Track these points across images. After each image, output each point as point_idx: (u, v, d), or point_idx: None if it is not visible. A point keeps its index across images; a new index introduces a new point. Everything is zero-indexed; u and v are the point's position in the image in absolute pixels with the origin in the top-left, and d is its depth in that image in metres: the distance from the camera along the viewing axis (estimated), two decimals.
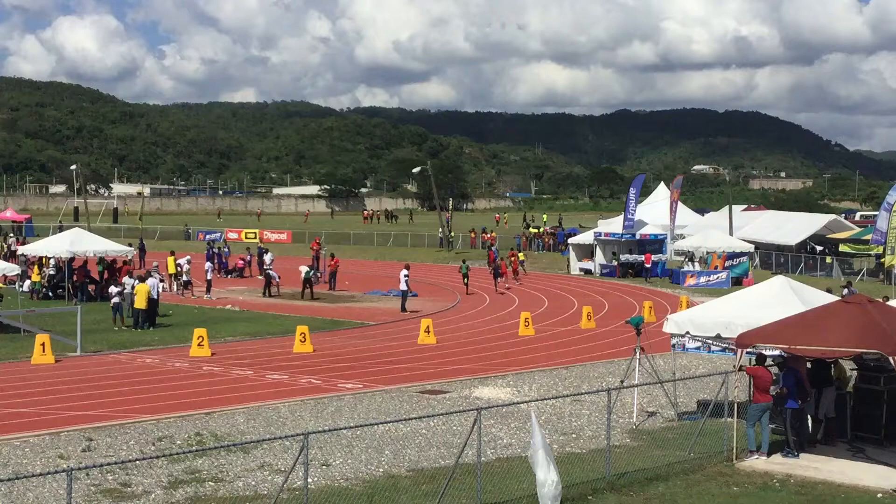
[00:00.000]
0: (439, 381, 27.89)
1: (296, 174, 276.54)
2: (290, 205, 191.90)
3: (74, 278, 47.20)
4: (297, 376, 28.16)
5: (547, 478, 15.69)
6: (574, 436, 21.78)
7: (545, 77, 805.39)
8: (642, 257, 62.62)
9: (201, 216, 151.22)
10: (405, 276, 44.22)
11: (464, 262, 55.35)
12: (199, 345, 31.59)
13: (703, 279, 57.18)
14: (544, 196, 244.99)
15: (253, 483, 17.69)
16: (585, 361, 31.62)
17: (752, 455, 19.74)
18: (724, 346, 22.94)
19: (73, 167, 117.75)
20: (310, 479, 14.82)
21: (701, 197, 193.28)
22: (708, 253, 59.82)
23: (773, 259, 66.50)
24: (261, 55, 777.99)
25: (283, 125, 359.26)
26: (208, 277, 49.03)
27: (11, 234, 78.71)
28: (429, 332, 35.10)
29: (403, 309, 43.16)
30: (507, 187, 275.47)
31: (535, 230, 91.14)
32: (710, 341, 23.18)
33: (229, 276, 59.95)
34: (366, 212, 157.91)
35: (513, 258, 60.17)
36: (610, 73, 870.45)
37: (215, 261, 62.20)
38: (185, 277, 49.97)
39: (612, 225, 69.33)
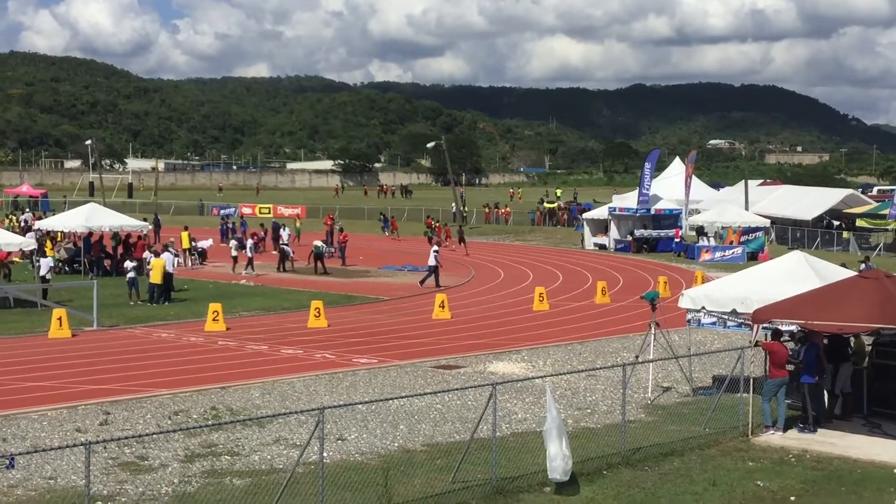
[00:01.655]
0: (454, 356, 27.91)
1: (310, 149, 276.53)
2: (303, 180, 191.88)
3: (91, 253, 47.34)
4: (311, 351, 28.22)
5: (559, 452, 15.71)
6: (589, 411, 21.79)
7: (559, 51, 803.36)
8: (656, 232, 62.58)
9: (215, 191, 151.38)
10: (435, 252, 44.10)
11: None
12: (214, 319, 31.67)
13: (718, 254, 57.03)
14: (558, 171, 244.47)
15: (269, 457, 17.75)
16: (600, 337, 31.60)
17: (767, 430, 19.72)
18: (739, 321, 22.91)
19: (88, 142, 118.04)
20: (325, 454, 14.85)
21: (716, 171, 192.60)
22: (723, 228, 59.69)
23: (789, 234, 66.29)
24: (274, 30, 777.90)
25: (297, 100, 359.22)
26: (250, 255, 48.37)
27: (28, 209, 78.92)
28: (443, 306, 35.11)
29: (438, 284, 43.00)
30: (521, 162, 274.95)
31: (550, 205, 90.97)
32: (725, 316, 23.14)
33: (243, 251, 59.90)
34: (380, 186, 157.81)
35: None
36: (624, 47, 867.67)
37: (229, 235, 62.34)
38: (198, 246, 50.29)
39: (627, 200, 69.15)
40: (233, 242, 50.55)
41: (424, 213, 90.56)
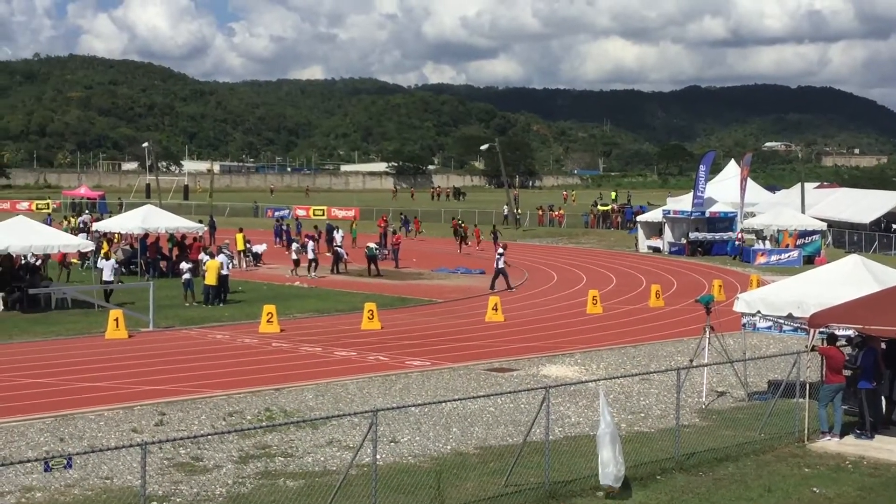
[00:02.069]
0: (507, 359, 27.88)
1: (363, 151, 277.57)
2: (357, 182, 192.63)
3: (147, 255, 47.83)
4: (365, 353, 28.30)
5: (611, 458, 15.65)
6: (642, 415, 21.67)
7: (614, 53, 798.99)
8: (711, 235, 62.15)
9: (281, 193, 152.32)
10: (500, 254, 43.97)
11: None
12: (268, 321, 31.87)
13: (773, 258, 56.50)
14: (612, 173, 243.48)
15: (322, 459, 17.83)
16: (654, 340, 31.41)
17: (824, 436, 19.49)
18: (795, 325, 22.67)
19: (145, 144, 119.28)
20: (378, 456, 14.88)
21: (772, 174, 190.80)
22: (779, 231, 59.10)
23: (846, 237, 65.53)
24: (329, 32, 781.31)
25: (351, 102, 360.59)
26: (311, 257, 48.05)
27: (87, 211, 79.94)
28: (496, 309, 35.07)
29: (509, 286, 42.89)
30: (575, 164, 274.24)
31: (604, 207, 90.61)
32: (781, 321, 22.91)
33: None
34: (434, 189, 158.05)
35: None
36: (679, 49, 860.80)
37: (283, 237, 62.78)
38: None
39: (682, 202, 68.74)
40: (294, 245, 50.58)
41: (478, 216, 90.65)
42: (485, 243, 64.00)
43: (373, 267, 48.74)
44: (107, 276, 37.16)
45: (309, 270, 47.41)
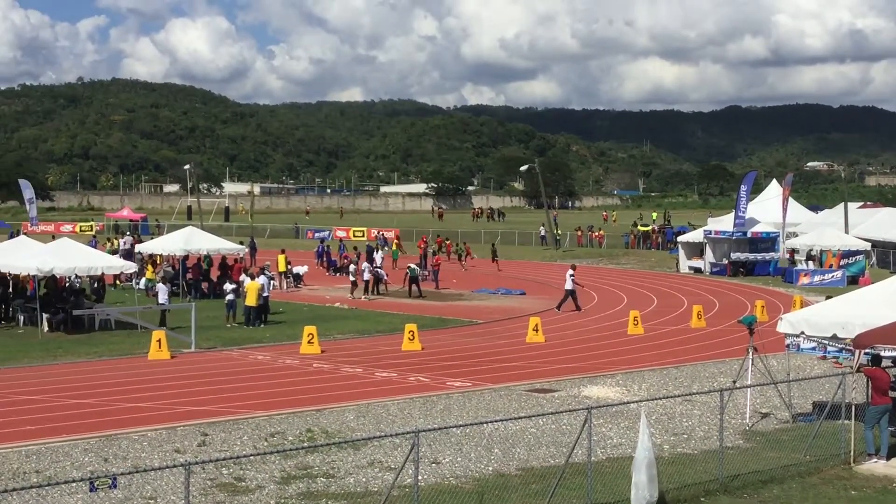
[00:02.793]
0: (548, 380, 27.79)
1: (403, 172, 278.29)
2: (397, 203, 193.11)
3: (188, 276, 48.14)
4: (405, 374, 28.31)
5: (645, 483, 15.56)
6: (685, 436, 21.51)
7: (653, 73, 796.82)
8: (753, 255, 61.76)
9: (317, 214, 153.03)
10: (570, 275, 43.79)
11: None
12: (308, 342, 31.96)
13: (817, 278, 56.02)
14: (652, 194, 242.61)
15: (364, 480, 17.82)
16: (696, 361, 31.20)
17: (870, 458, 19.26)
18: (840, 346, 22.46)
19: (187, 167, 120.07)
20: (420, 477, 14.86)
21: (815, 194, 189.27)
22: (822, 251, 58.63)
23: (890, 258, 64.79)
24: (368, 54, 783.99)
25: (390, 123, 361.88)
26: (365, 278, 48.34)
27: (127, 233, 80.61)
28: (537, 330, 34.99)
29: (578, 307, 42.68)
30: (615, 185, 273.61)
31: (644, 228, 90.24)
32: (825, 342, 22.69)
33: (337, 274, 60.53)
34: (475, 210, 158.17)
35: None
36: (719, 69, 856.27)
37: (324, 259, 63.04)
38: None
39: (723, 223, 68.20)
40: (352, 267, 50.22)
41: (517, 237, 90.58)
42: (479, 261, 66.80)
43: (414, 288, 48.76)
44: (162, 298, 37.06)
45: (366, 292, 47.54)
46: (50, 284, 38.35)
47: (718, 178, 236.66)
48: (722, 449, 18.00)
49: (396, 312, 42.18)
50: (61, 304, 36.94)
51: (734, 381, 22.89)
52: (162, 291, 37.17)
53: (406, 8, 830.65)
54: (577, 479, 16.50)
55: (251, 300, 37.66)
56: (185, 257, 48.13)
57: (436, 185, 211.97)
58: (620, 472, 17.67)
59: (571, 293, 43.06)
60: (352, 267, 49.00)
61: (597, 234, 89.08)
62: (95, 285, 42.13)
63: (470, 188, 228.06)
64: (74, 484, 14.99)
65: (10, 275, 37.88)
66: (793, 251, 61.27)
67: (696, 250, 64.63)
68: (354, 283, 48.28)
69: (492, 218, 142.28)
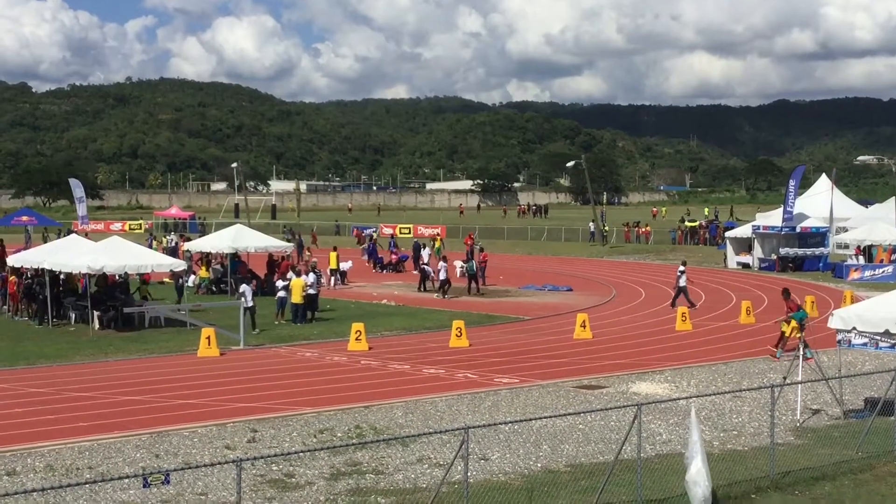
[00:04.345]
0: (596, 376, 27.71)
1: (448, 169, 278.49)
2: (443, 200, 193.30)
3: (237, 273, 48.37)
4: (453, 371, 28.33)
5: (698, 478, 15.46)
6: (735, 433, 21.36)
7: (699, 68, 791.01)
8: (802, 251, 61.22)
9: (356, 212, 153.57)
10: (681, 271, 43.52)
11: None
12: (356, 339, 32.06)
13: (868, 273, 55.43)
14: (699, 189, 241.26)
15: (413, 476, 17.86)
16: (745, 357, 30.96)
17: None
18: (892, 342, 22.20)
19: (234, 165, 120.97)
20: (469, 473, 14.87)
21: (864, 188, 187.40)
22: (873, 246, 57.98)
23: None
24: (413, 52, 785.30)
25: (436, 120, 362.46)
26: (441, 277, 47.58)
27: (173, 231, 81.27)
28: (584, 326, 34.88)
29: (691, 304, 42.02)
30: (661, 181, 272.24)
31: (692, 223, 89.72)
32: (877, 337, 22.44)
33: (384, 271, 60.71)
34: (520, 206, 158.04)
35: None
36: (767, 63, 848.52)
37: (373, 255, 63.21)
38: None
39: (771, 218, 67.69)
40: (442, 264, 49.68)
41: (563, 233, 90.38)
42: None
43: (473, 285, 48.48)
44: (250, 302, 35.62)
45: (438, 291, 47.34)
46: (100, 282, 38.72)
47: (766, 173, 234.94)
48: (773, 445, 17.86)
49: (443, 309, 42.21)
50: (112, 301, 37.30)
51: (784, 378, 22.73)
52: (248, 292, 35.88)
53: (451, 5, 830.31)
54: (626, 475, 16.45)
55: (296, 297, 37.82)
56: (234, 255, 48.38)
57: (482, 182, 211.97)
58: (670, 469, 17.60)
59: (683, 290, 42.61)
60: (441, 265, 47.87)
61: (644, 229, 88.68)
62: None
63: (516, 185, 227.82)
64: (128, 480, 15.17)
65: (61, 273, 38.28)
66: (858, 248, 60.36)
67: (745, 246, 64.13)
68: (445, 282, 47.53)
69: (536, 215, 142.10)
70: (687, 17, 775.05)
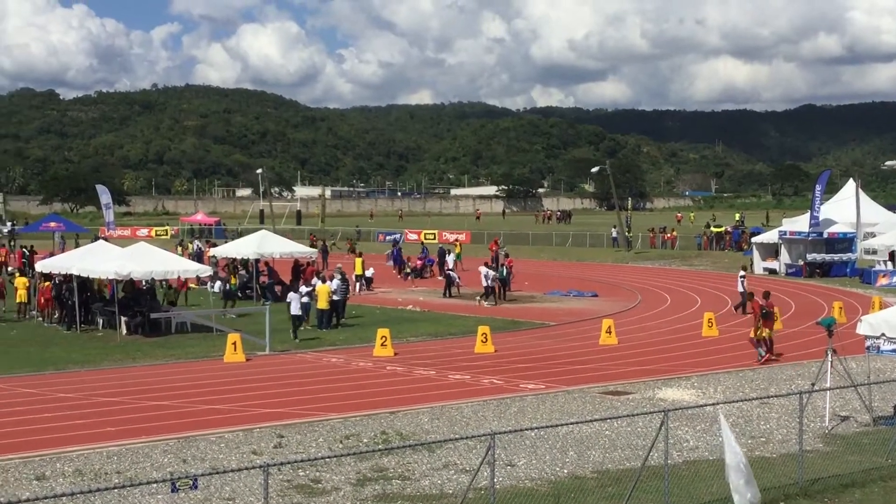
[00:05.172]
0: (622, 382, 27.64)
1: (473, 175, 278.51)
2: (468, 205, 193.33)
3: (262, 280, 48.57)
4: (479, 376, 28.31)
5: (743, 484, 15.36)
6: (763, 439, 21.25)
7: (724, 72, 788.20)
8: (829, 256, 60.87)
9: (381, 217, 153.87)
10: (742, 276, 43.23)
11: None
12: (382, 345, 32.08)
13: None
14: (725, 194, 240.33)
15: (439, 482, 17.85)
16: (773, 364, 30.79)
17: None
18: None
19: (259, 171, 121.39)
20: (495, 479, 14.84)
21: (892, 193, 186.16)
22: None
23: None
24: (437, 57, 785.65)
25: (460, 126, 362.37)
26: (487, 283, 47.14)
27: (196, 237, 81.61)
28: (610, 332, 34.80)
29: (744, 311, 41.35)
30: (686, 186, 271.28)
31: (717, 229, 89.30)
32: None
33: (409, 277, 60.73)
34: (544, 212, 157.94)
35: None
36: (793, 67, 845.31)
37: (397, 261, 63.25)
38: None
39: (798, 223, 67.35)
40: (485, 269, 49.46)
41: (588, 238, 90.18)
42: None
43: (502, 290, 48.03)
44: (294, 309, 35.72)
45: (483, 297, 46.95)
46: (128, 288, 38.92)
47: (793, 179, 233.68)
48: (801, 452, 17.76)
49: (468, 315, 42.19)
50: (139, 307, 37.48)
51: (813, 384, 22.57)
52: (294, 300, 35.78)
53: (474, 10, 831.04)
54: (653, 482, 16.38)
55: (322, 303, 37.88)
56: (257, 261, 48.50)
57: (506, 188, 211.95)
58: (697, 476, 17.53)
59: (744, 294, 42.19)
60: (486, 272, 47.58)
61: (669, 235, 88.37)
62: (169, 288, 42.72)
63: (540, 190, 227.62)
64: (155, 485, 15.22)
65: (89, 278, 38.50)
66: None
67: (771, 251, 63.84)
68: (488, 289, 47.28)
69: (560, 220, 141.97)
70: (712, 21, 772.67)
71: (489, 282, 46.98)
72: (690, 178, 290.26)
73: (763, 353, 30.89)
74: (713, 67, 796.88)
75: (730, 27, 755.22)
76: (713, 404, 22.47)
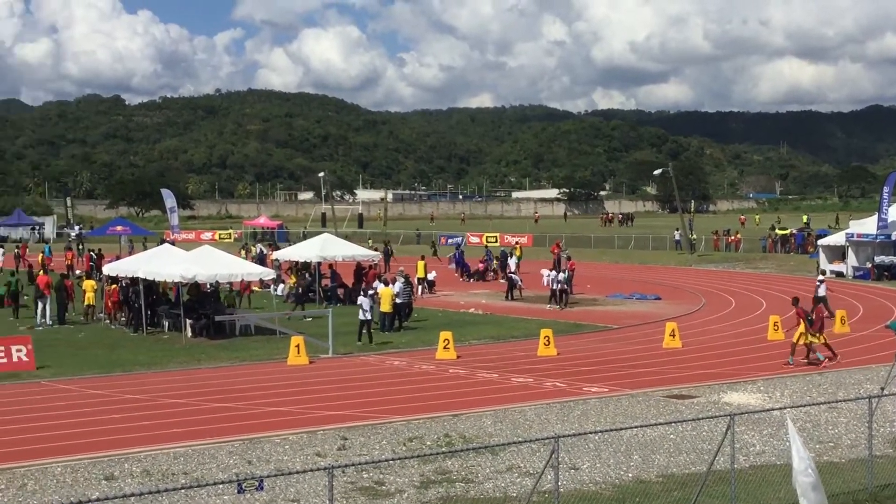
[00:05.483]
0: (686, 386, 27.40)
1: (534, 178, 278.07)
2: (529, 208, 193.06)
3: (324, 283, 48.80)
4: (541, 379, 28.22)
5: (810, 490, 15.14)
6: (831, 444, 20.95)
7: (789, 73, 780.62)
8: None
9: (442, 220, 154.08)
10: (821, 280, 42.91)
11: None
12: (444, 348, 32.08)
13: None
14: (790, 196, 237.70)
15: (502, 485, 17.80)
16: (840, 368, 30.37)
17: None
18: None
19: (321, 174, 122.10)
20: (559, 483, 14.77)
21: None
22: None
23: None
24: (497, 60, 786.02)
25: (521, 129, 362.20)
26: (554, 287, 46.89)
27: (262, 240, 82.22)
28: (674, 335, 34.52)
29: (831, 314, 40.24)
30: (750, 188, 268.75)
31: (782, 231, 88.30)
32: None
33: (471, 280, 60.74)
34: (606, 215, 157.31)
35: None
36: (859, 68, 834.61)
37: (461, 264, 63.28)
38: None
39: (865, 225, 66.39)
40: (549, 274, 49.15)
41: (651, 241, 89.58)
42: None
43: (563, 295, 47.56)
44: (365, 313, 35.47)
45: (550, 301, 46.69)
46: (192, 291, 39.30)
47: (860, 180, 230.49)
48: (871, 458, 17.48)
49: (531, 318, 42.09)
50: (203, 310, 37.83)
51: (882, 388, 22.23)
52: (365, 304, 35.56)
53: (535, 13, 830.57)
54: (719, 486, 16.20)
55: (385, 306, 37.97)
56: (318, 264, 48.74)
57: (567, 191, 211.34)
58: (764, 481, 17.32)
59: (823, 299, 41.53)
60: (557, 275, 47.29)
61: (733, 237, 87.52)
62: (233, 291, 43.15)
63: (602, 193, 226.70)
64: (221, 486, 15.37)
65: (155, 281, 38.94)
66: None
67: (838, 254, 62.96)
68: (554, 293, 47.05)
69: (623, 223, 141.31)
70: (776, 21, 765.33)
71: (557, 285, 46.71)
72: (754, 180, 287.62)
73: (792, 361, 30.64)
74: (777, 68, 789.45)
75: (794, 27, 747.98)
76: (780, 409, 22.22)
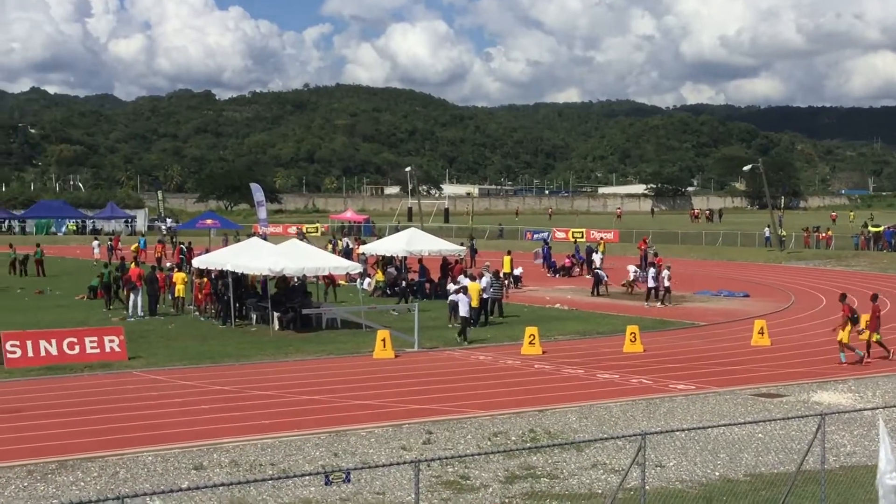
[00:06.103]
0: (775, 384, 27.04)
1: (621, 173, 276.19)
2: (615, 204, 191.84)
3: (411, 277, 48.99)
4: (627, 376, 28.05)
5: (892, 494, 14.82)
6: None
7: (884, 68, 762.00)
8: None
9: (528, 215, 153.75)
10: None
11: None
12: (530, 343, 32.05)
13: None
14: (883, 193, 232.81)
15: (587, 481, 17.75)
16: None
17: None
18: None
19: (408, 169, 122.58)
20: (645, 480, 14.68)
21: None
22: None
23: None
24: (585, 55, 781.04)
25: (608, 124, 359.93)
26: (650, 285, 46.11)
27: (350, 234, 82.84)
28: (763, 333, 34.08)
29: None
30: (842, 184, 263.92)
31: (875, 229, 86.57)
32: None
33: (557, 276, 60.58)
34: (695, 211, 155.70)
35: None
36: None
37: (548, 260, 63.18)
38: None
39: None
40: (631, 269, 48.18)
41: (740, 238, 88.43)
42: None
43: (653, 293, 46.79)
44: (463, 311, 35.05)
45: (648, 298, 46.08)
46: (280, 284, 39.72)
47: None
48: None
49: (617, 314, 41.86)
50: (291, 303, 38.22)
51: None
52: (462, 303, 35.27)
53: (623, 8, 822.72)
54: (808, 487, 15.98)
55: (474, 301, 37.93)
56: (404, 258, 48.91)
57: (655, 186, 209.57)
58: (855, 482, 17.03)
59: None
60: (651, 272, 46.62)
61: (824, 234, 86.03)
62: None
63: (690, 189, 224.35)
64: (308, 477, 15.55)
65: (243, 275, 39.44)
66: None
67: None
68: (650, 290, 46.49)
69: (710, 219, 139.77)
70: (870, 15, 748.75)
71: (653, 281, 46.24)
72: (847, 176, 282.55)
73: (844, 359, 30.12)
74: (871, 63, 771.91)
75: (890, 21, 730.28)
76: (872, 409, 21.87)
